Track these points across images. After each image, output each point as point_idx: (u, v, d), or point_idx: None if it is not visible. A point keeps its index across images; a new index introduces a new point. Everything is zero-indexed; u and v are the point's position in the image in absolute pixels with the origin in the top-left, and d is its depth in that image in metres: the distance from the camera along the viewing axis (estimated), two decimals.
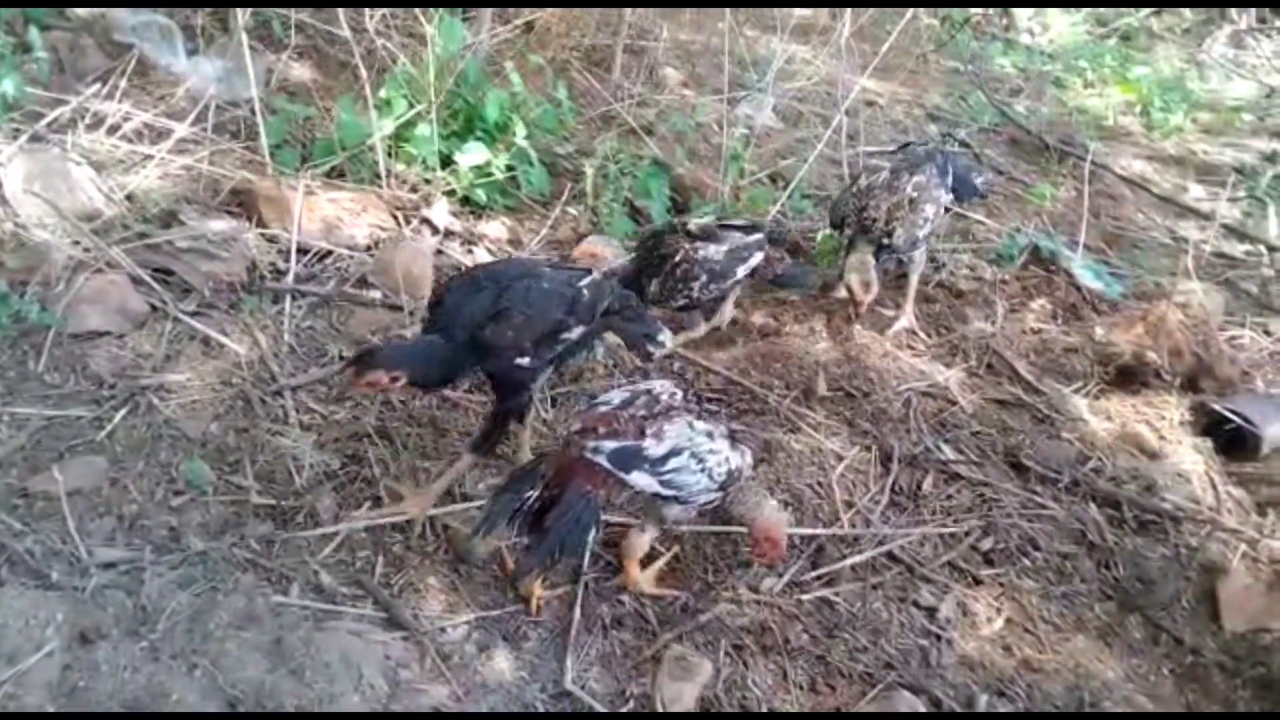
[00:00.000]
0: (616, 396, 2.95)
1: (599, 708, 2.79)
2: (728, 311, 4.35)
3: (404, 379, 2.92)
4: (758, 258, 4.15)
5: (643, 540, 3.04)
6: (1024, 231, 5.31)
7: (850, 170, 5.41)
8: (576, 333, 3.21)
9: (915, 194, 4.32)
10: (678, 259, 4.05)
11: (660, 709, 2.78)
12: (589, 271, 3.39)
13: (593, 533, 2.75)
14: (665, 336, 3.59)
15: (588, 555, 2.89)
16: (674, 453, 2.80)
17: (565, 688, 2.83)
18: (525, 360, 3.06)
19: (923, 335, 4.47)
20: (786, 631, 3.07)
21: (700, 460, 2.83)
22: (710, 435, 2.89)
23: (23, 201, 3.77)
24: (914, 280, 4.54)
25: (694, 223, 4.18)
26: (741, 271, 4.12)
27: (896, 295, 4.60)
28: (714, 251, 4.08)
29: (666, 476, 2.80)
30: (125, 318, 3.62)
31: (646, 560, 3.14)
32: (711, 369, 4.06)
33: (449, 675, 2.79)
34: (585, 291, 3.22)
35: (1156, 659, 3.26)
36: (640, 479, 2.78)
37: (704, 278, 4.04)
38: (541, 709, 2.79)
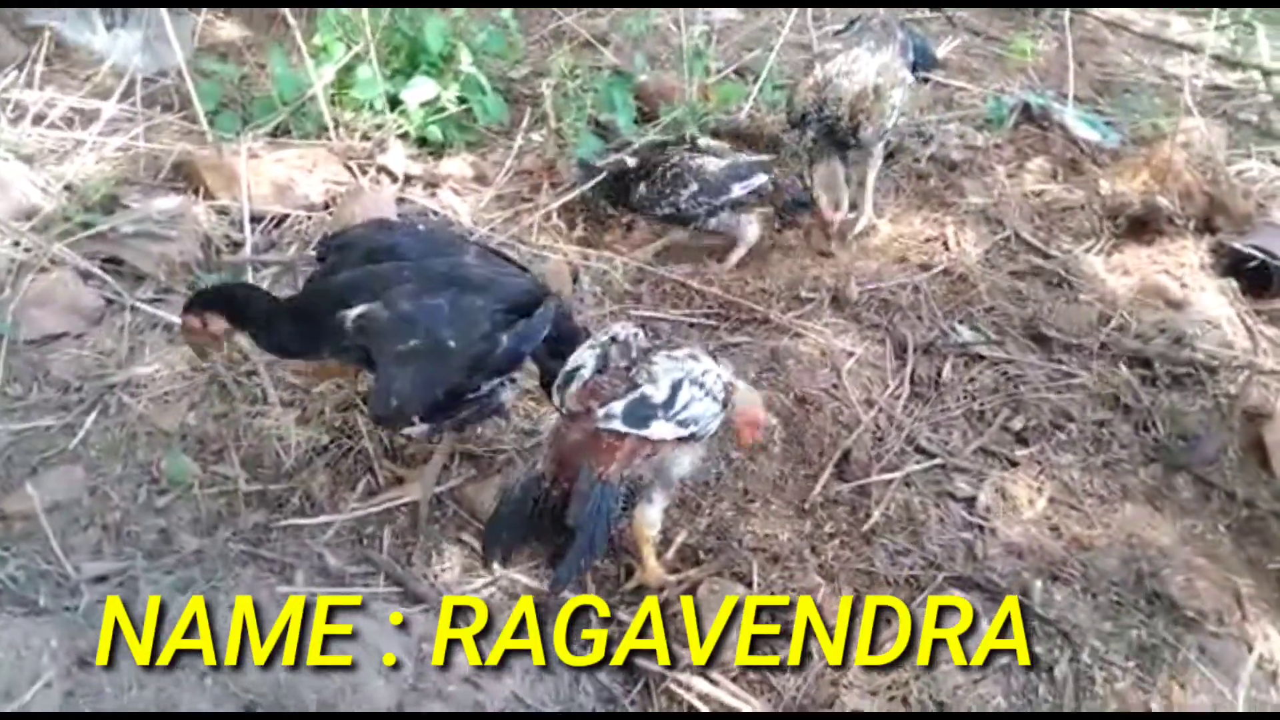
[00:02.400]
0: (588, 360, 2.64)
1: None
2: (748, 232, 4.01)
3: (218, 324, 2.70)
4: (759, 179, 3.92)
5: (654, 514, 2.71)
6: (1009, 91, 5.06)
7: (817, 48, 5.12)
8: (492, 384, 2.73)
9: (879, 79, 3.87)
10: (671, 163, 3.85)
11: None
12: (526, 279, 2.86)
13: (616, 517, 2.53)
14: None
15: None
16: (676, 388, 2.55)
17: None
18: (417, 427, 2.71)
19: (908, 223, 4.22)
20: (821, 546, 2.91)
21: (701, 385, 2.59)
22: (694, 357, 2.65)
23: None
24: (872, 176, 4.15)
25: (705, 141, 3.99)
26: (738, 189, 3.89)
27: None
28: (710, 163, 3.86)
29: (682, 415, 2.54)
30: (80, 316, 3.40)
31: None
32: (704, 290, 3.83)
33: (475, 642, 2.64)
34: (504, 340, 2.65)
35: (1210, 517, 3.12)
36: (660, 429, 2.52)
37: (694, 186, 3.83)
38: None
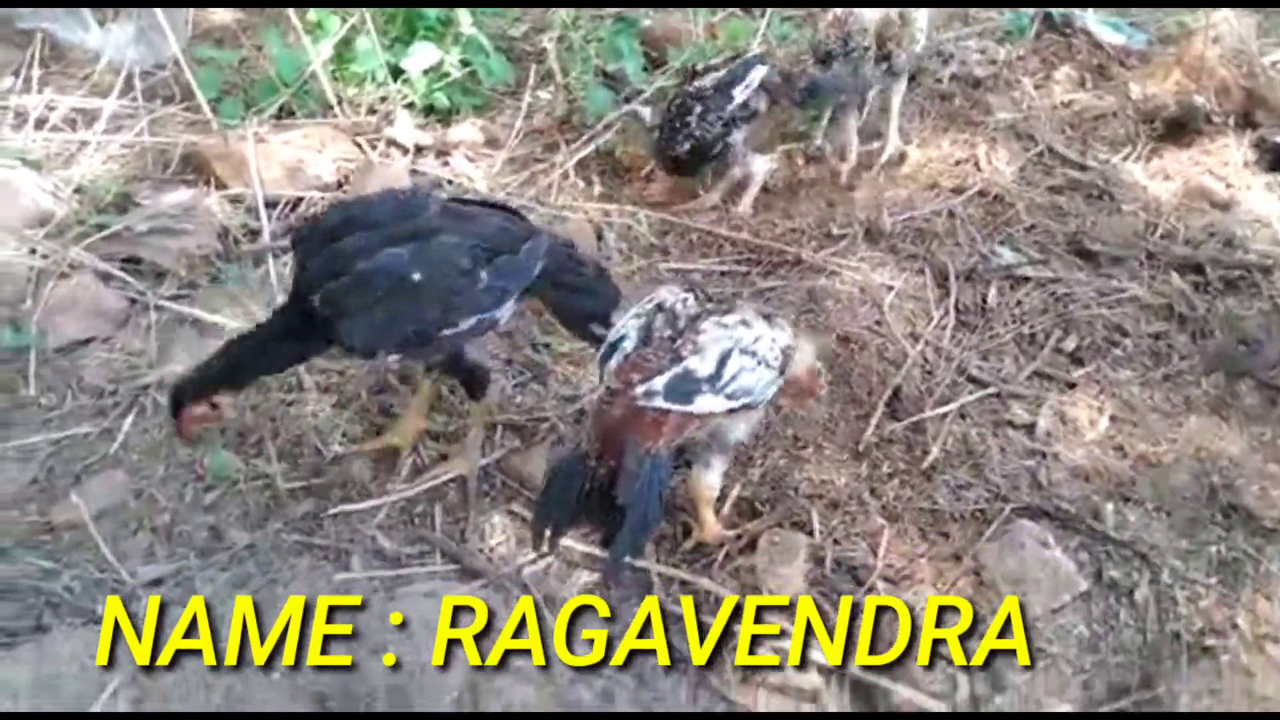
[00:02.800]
0: (630, 331, 2.50)
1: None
2: (758, 167, 3.89)
3: (226, 395, 2.67)
4: (757, 72, 3.77)
5: (712, 478, 2.63)
6: None
7: None
8: (472, 322, 2.62)
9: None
10: (672, 98, 3.78)
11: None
12: (508, 216, 2.75)
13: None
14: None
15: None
16: (724, 360, 2.41)
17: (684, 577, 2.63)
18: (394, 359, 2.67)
19: (936, 146, 4.08)
20: (881, 487, 2.84)
21: (752, 354, 2.44)
22: (746, 323, 2.49)
23: None
24: (896, 102, 4.00)
25: (702, 65, 3.90)
26: (740, 93, 3.75)
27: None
28: (709, 80, 3.76)
29: (730, 388, 2.41)
30: (105, 319, 3.35)
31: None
32: (731, 237, 3.73)
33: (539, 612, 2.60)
34: (484, 276, 2.57)
35: (1278, 422, 3.01)
36: (706, 403, 2.39)
37: (698, 109, 3.72)
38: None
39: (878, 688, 2.41)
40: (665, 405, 2.36)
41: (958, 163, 3.96)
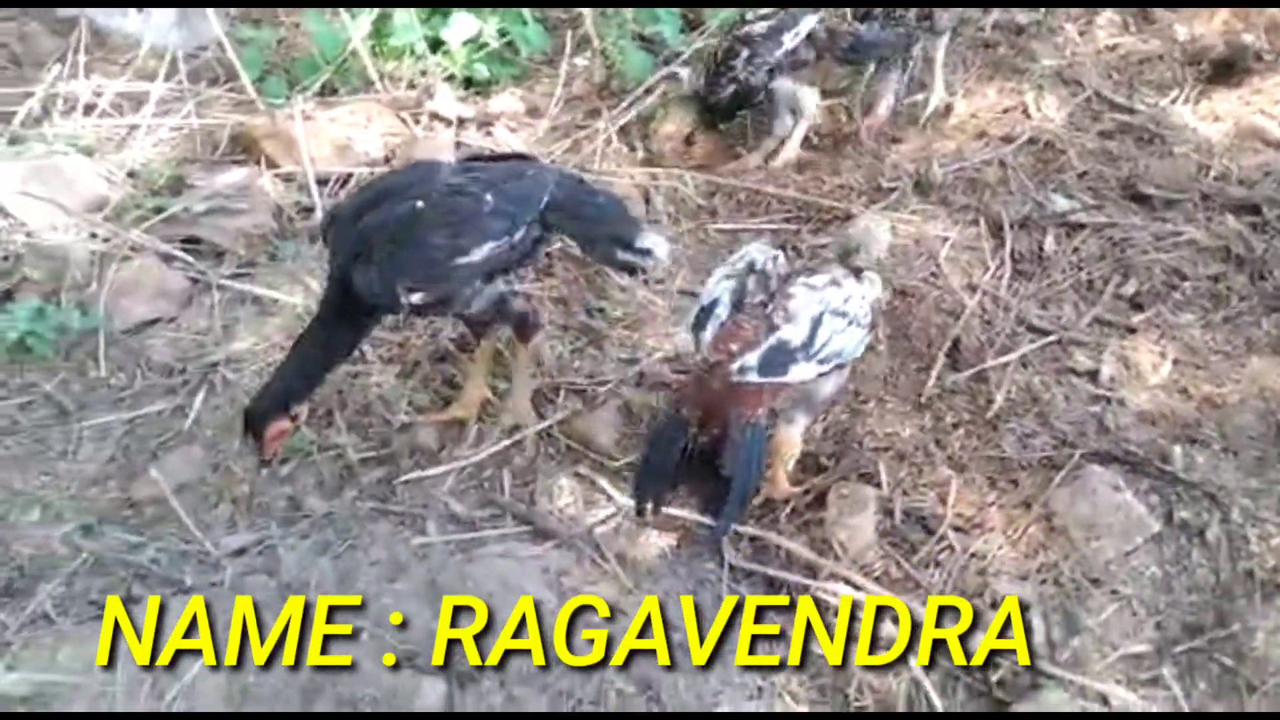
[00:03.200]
0: (723, 295, 2.53)
1: (773, 573, 2.61)
2: (807, 103, 3.85)
3: (301, 408, 2.69)
4: (808, 22, 3.72)
5: (795, 434, 2.65)
6: None
7: None
8: (485, 250, 2.61)
9: None
10: (719, 42, 3.78)
11: (840, 550, 2.60)
12: (519, 161, 2.87)
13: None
14: (653, 242, 2.70)
15: None
16: (816, 324, 2.43)
17: (731, 561, 2.65)
18: (417, 297, 2.60)
19: (983, 96, 4.05)
20: (945, 438, 2.86)
21: (843, 314, 2.46)
22: (835, 283, 2.51)
23: (24, 208, 3.52)
24: (941, 53, 3.95)
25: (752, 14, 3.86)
26: (789, 40, 3.71)
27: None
28: (758, 26, 3.74)
29: (823, 354, 2.43)
30: (169, 299, 3.40)
31: None
32: (780, 195, 3.72)
33: (612, 570, 2.64)
34: (489, 198, 2.59)
35: None
36: (800, 371, 2.42)
37: (744, 53, 3.71)
38: (715, 581, 2.63)
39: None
40: (758, 380, 2.39)
41: (1005, 111, 3.94)
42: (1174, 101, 3.90)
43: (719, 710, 2.40)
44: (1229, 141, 3.66)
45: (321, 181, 3.79)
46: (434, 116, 4.18)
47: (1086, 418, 2.88)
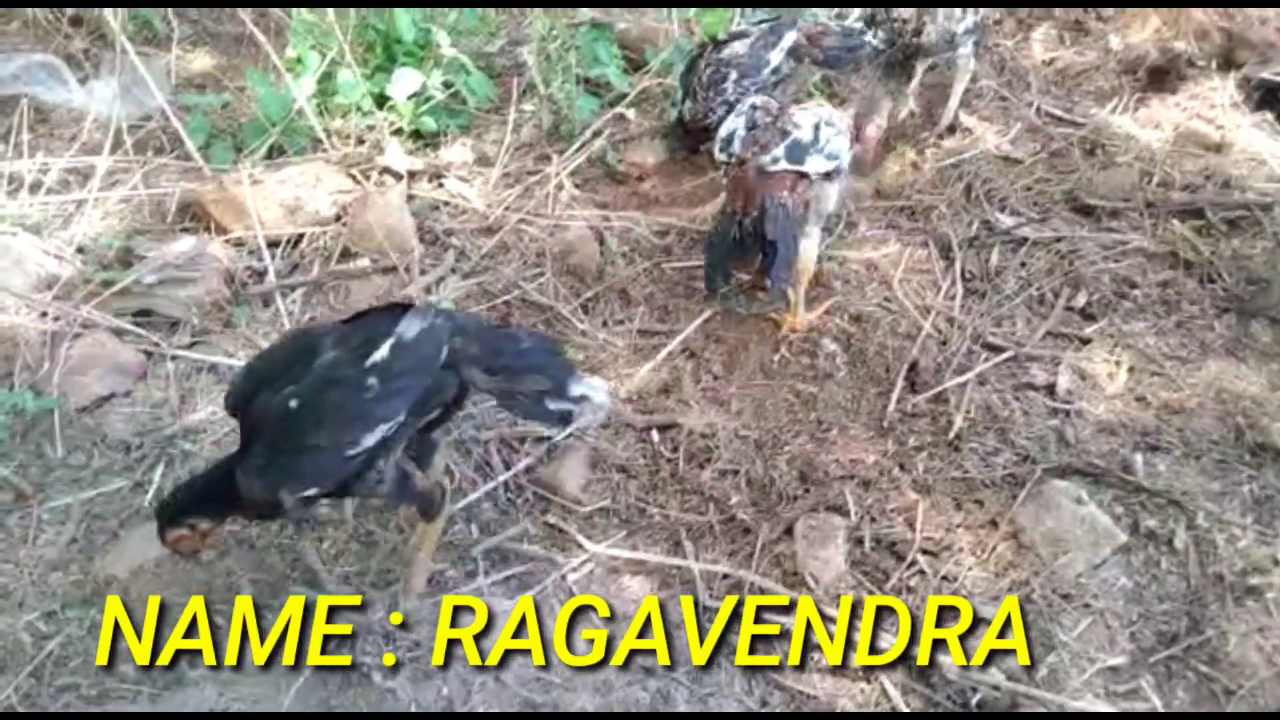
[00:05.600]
0: (739, 124, 3.21)
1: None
2: None
3: (205, 524, 2.46)
4: (790, 36, 3.79)
5: (810, 246, 3.16)
6: None
7: None
8: (378, 434, 2.32)
9: None
10: (701, 69, 3.79)
11: (812, 582, 2.59)
12: (407, 311, 2.42)
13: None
14: (589, 387, 2.48)
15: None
16: (818, 128, 3.11)
17: (705, 602, 2.63)
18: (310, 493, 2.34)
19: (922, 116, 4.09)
20: (910, 461, 2.86)
21: (833, 125, 3.15)
22: (820, 107, 3.32)
23: None
24: (958, 90, 3.93)
25: (719, 33, 3.97)
26: (776, 57, 3.77)
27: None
28: (739, 46, 3.78)
29: (828, 149, 3.09)
30: (123, 374, 3.36)
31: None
32: None
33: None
34: (372, 383, 2.30)
35: None
36: (814, 163, 3.08)
37: (734, 74, 3.74)
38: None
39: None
40: (788, 166, 3.06)
41: (950, 129, 3.97)
42: (1113, 111, 3.96)
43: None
44: (1169, 148, 3.72)
45: (273, 244, 3.77)
46: (384, 171, 4.18)
47: (1047, 432, 2.89)
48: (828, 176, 3.10)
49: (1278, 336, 3.10)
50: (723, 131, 3.25)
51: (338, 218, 3.93)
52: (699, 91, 3.81)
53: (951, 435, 2.91)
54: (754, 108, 3.24)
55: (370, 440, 2.31)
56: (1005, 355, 3.12)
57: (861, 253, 3.49)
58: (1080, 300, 3.26)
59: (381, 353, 2.33)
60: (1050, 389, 3.01)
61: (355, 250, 3.76)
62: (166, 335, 3.47)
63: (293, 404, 2.29)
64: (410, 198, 4.03)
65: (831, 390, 3.10)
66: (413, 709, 2.43)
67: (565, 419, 2.52)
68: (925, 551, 2.65)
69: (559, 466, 2.96)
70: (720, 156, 3.23)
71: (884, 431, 2.97)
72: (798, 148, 3.09)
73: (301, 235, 3.84)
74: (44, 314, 3.48)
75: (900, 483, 2.81)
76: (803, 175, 3.07)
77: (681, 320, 3.41)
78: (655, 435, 3.05)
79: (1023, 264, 3.39)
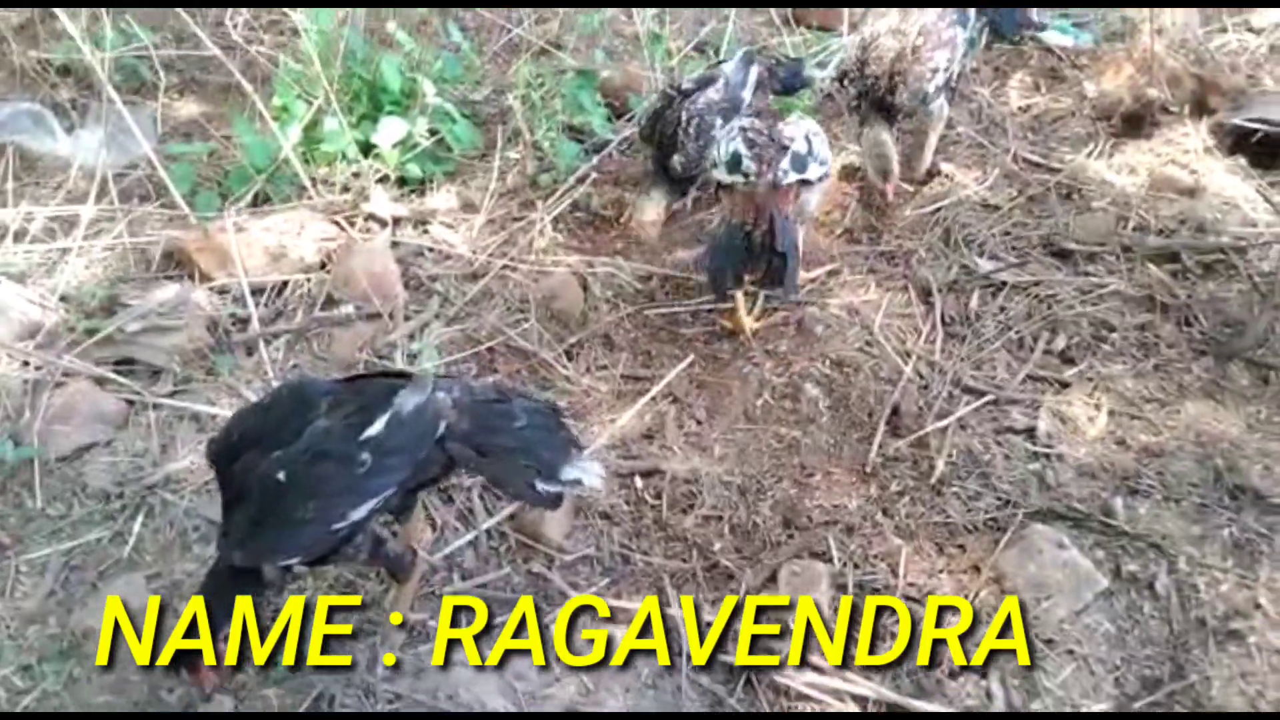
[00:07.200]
0: (740, 145, 3.33)
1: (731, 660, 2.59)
2: None
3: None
4: (755, 71, 3.93)
5: (799, 239, 3.38)
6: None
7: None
8: (368, 508, 2.31)
9: (920, 40, 3.73)
10: (683, 121, 3.84)
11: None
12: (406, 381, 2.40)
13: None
14: (583, 470, 2.44)
15: None
16: (808, 137, 3.32)
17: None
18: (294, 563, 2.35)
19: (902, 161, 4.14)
20: (892, 506, 2.87)
21: (817, 134, 3.37)
22: (800, 119, 3.44)
23: None
24: (932, 139, 3.99)
25: (684, 83, 4.00)
26: (748, 94, 3.89)
27: None
28: (713, 92, 3.86)
29: (819, 155, 3.32)
30: (104, 423, 3.35)
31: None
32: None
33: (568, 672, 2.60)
34: (365, 458, 2.27)
35: (1273, 398, 3.07)
36: (813, 170, 3.30)
37: (718, 121, 3.81)
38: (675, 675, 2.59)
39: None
40: (795, 177, 3.26)
41: (929, 175, 4.02)
42: (1089, 157, 4.01)
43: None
44: (1144, 192, 3.77)
45: (256, 291, 3.78)
46: (369, 218, 4.20)
47: (1028, 476, 2.91)
48: (812, 184, 3.35)
49: (1255, 379, 3.13)
50: (722, 155, 3.37)
51: (322, 265, 3.94)
52: (686, 143, 3.85)
53: (934, 479, 2.92)
54: (744, 130, 3.38)
55: (358, 515, 2.29)
56: (986, 399, 3.14)
57: (842, 297, 3.52)
58: (1059, 343, 3.29)
59: (377, 427, 2.29)
60: (1031, 432, 3.03)
61: (339, 297, 3.76)
62: (148, 383, 3.46)
63: (281, 475, 2.25)
64: (395, 244, 4.05)
65: (814, 435, 3.11)
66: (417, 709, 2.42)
67: (556, 501, 2.47)
68: (909, 598, 2.64)
69: (542, 514, 2.95)
70: (730, 178, 3.35)
71: (866, 476, 2.97)
72: (799, 159, 3.27)
73: (286, 282, 3.85)
74: (26, 363, 3.48)
75: (883, 528, 2.81)
76: (805, 183, 3.31)
77: (665, 365, 3.43)
78: (639, 481, 3.05)
79: (1002, 308, 3.42)
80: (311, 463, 2.26)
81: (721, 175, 3.38)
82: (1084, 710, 2.42)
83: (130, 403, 3.40)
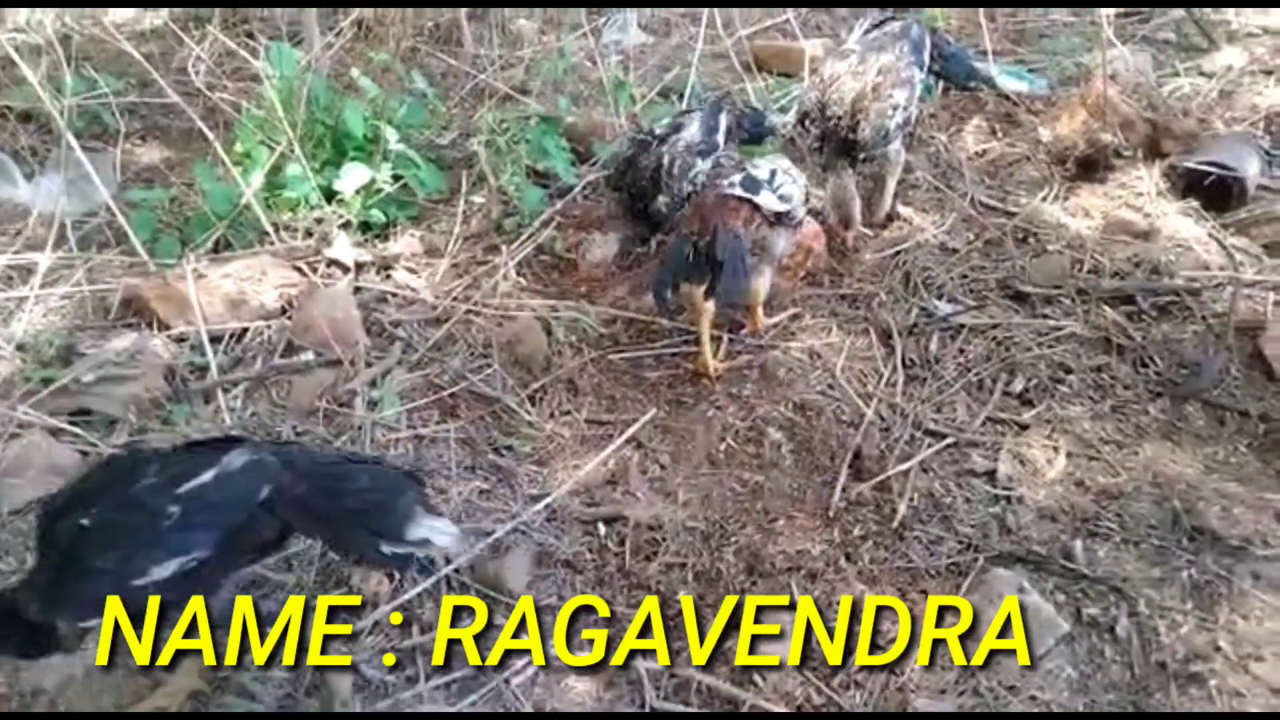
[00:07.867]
0: (705, 165, 3.67)
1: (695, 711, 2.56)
2: None
3: None
4: (725, 117, 3.99)
5: (763, 283, 3.47)
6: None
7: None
8: (172, 567, 2.19)
9: (880, 78, 3.78)
10: (666, 164, 3.85)
11: (759, 679, 2.56)
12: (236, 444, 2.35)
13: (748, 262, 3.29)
14: (430, 529, 2.34)
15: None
16: (774, 172, 3.41)
17: (652, 704, 2.57)
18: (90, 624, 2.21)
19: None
20: (855, 551, 2.86)
21: (789, 175, 3.45)
22: (779, 159, 3.59)
23: None
24: (891, 183, 4.02)
25: (656, 128, 4.04)
26: (721, 139, 3.94)
27: None
28: (685, 134, 3.90)
29: (781, 190, 3.36)
30: (58, 475, 3.26)
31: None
32: (675, 326, 3.74)
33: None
34: (173, 510, 2.18)
35: (1229, 440, 3.10)
36: (766, 199, 3.33)
37: (699, 162, 3.85)
38: None
39: None
40: (741, 193, 3.32)
41: (888, 218, 4.07)
42: (1044, 200, 4.07)
43: None
44: (1099, 235, 3.82)
45: (215, 339, 3.74)
46: (332, 263, 4.18)
47: (988, 519, 2.91)
48: (778, 220, 3.36)
49: (1211, 419, 3.17)
50: (693, 174, 3.67)
51: (283, 311, 3.91)
52: (671, 184, 3.88)
53: (895, 524, 2.91)
54: (718, 161, 3.64)
55: (161, 573, 2.17)
56: (946, 441, 3.15)
57: (805, 341, 3.53)
58: (1017, 385, 3.32)
59: (197, 482, 2.23)
60: (991, 475, 3.04)
61: (300, 344, 3.73)
62: (104, 434, 3.40)
63: (85, 522, 2.16)
64: (357, 289, 4.03)
65: (777, 479, 3.11)
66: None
67: (403, 563, 2.40)
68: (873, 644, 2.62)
69: (502, 564, 2.92)
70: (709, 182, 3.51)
71: (829, 520, 2.97)
72: (753, 180, 3.36)
73: (246, 329, 3.82)
74: None
75: (846, 573, 2.80)
76: (755, 207, 3.31)
77: (629, 410, 3.42)
78: (601, 528, 3.03)
79: (961, 350, 3.45)
80: (119, 511, 2.20)
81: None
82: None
83: (85, 454, 3.34)
